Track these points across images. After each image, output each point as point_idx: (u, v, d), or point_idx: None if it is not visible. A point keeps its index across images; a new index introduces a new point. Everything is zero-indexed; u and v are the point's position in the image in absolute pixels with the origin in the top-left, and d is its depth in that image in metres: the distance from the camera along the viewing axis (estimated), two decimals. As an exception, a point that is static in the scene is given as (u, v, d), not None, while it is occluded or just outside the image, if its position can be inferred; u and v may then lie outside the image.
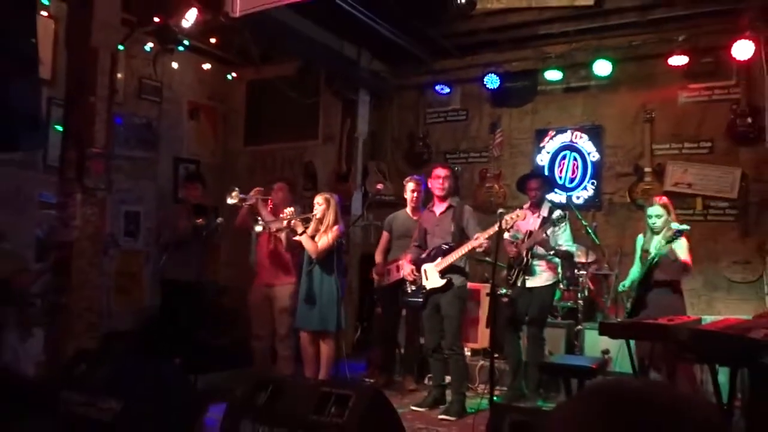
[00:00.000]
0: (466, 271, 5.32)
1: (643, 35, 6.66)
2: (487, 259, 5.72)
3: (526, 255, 5.36)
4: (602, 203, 7.07)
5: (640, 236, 5.20)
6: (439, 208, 5.39)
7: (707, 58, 6.44)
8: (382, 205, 7.32)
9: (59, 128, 4.95)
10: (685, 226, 4.67)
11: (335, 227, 5.42)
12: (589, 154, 7.15)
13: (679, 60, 6.35)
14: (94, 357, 3.70)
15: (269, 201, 5.87)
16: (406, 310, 5.90)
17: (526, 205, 5.53)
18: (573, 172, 7.23)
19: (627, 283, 5.12)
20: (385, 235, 6.10)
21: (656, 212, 4.96)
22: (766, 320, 4.40)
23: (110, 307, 6.39)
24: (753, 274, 6.25)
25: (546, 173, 7.16)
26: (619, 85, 6.97)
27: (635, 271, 5.11)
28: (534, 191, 5.56)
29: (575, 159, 7.23)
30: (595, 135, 7.14)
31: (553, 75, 7.12)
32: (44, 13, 5.88)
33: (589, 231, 6.26)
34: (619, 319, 5.66)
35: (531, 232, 5.38)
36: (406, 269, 5.39)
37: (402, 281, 5.51)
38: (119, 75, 6.08)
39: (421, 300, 5.29)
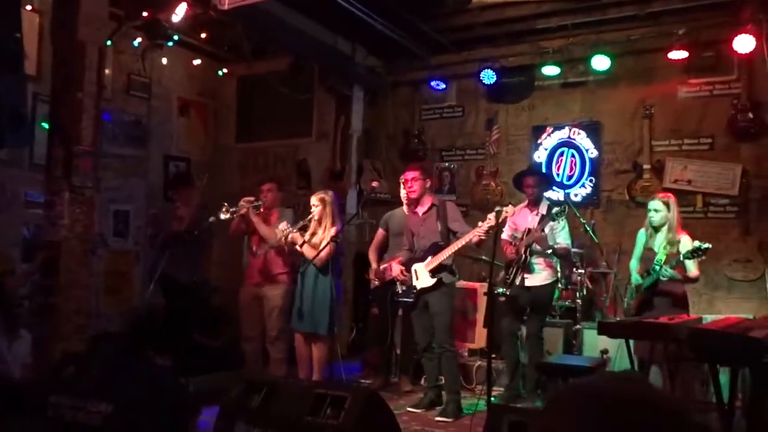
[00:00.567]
0: (453, 269, 5.27)
1: (642, 29, 6.56)
2: (484, 257, 5.64)
3: (525, 252, 5.30)
4: (600, 201, 6.97)
5: (642, 231, 5.14)
6: (421, 208, 5.35)
7: (707, 52, 6.35)
8: (377, 203, 7.22)
9: (45, 125, 4.84)
10: (707, 245, 4.55)
11: (333, 228, 5.37)
12: (587, 150, 7.05)
13: (678, 54, 6.26)
14: (83, 359, 3.61)
15: (261, 208, 5.71)
16: (402, 310, 5.83)
17: (523, 203, 5.47)
18: (571, 169, 7.13)
19: (637, 278, 5.00)
20: (380, 232, 6.02)
21: (655, 206, 4.93)
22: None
23: (99, 308, 6.27)
24: (754, 273, 6.17)
25: (543, 170, 7.06)
26: (617, 81, 6.87)
27: (635, 265, 5.05)
28: (531, 188, 5.50)
29: (573, 156, 7.13)
30: (594, 131, 7.04)
31: (550, 70, 7.01)
32: (29, 7, 5.73)
33: (588, 229, 6.17)
34: (618, 319, 5.61)
35: (529, 230, 5.32)
36: (395, 270, 5.34)
37: (394, 281, 5.45)
38: (107, 71, 5.93)
39: (411, 300, 5.26)
